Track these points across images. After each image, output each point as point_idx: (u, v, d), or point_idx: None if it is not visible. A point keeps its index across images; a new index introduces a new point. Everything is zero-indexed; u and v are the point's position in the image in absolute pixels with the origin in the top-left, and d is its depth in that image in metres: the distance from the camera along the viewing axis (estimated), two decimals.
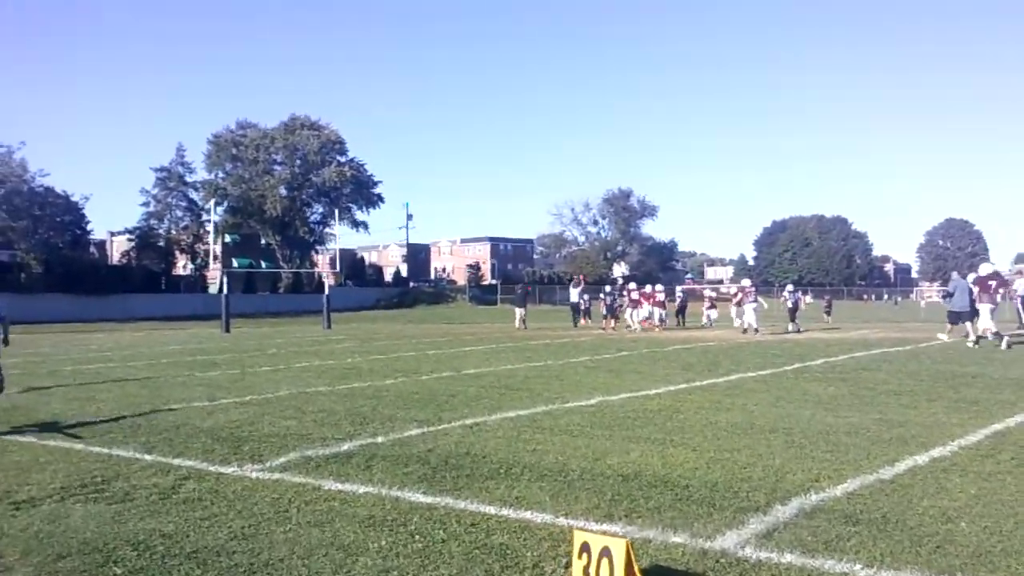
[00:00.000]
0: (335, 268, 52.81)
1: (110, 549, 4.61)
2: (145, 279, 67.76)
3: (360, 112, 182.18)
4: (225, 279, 40.10)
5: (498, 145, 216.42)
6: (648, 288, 33.81)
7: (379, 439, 7.82)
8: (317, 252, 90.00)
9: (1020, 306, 26.52)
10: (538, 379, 13.06)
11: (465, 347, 22.23)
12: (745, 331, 27.32)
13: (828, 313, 41.10)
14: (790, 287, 33.47)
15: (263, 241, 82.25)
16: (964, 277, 22.54)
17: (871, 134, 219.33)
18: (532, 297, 40.37)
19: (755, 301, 28.07)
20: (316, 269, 77.90)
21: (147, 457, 7.20)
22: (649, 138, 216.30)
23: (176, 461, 7.00)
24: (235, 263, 79.21)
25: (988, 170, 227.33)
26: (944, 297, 24.84)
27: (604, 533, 4.15)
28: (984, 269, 21.81)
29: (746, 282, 31.44)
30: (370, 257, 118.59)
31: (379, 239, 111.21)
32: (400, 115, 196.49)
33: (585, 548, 3.89)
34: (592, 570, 3.83)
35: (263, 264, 79.79)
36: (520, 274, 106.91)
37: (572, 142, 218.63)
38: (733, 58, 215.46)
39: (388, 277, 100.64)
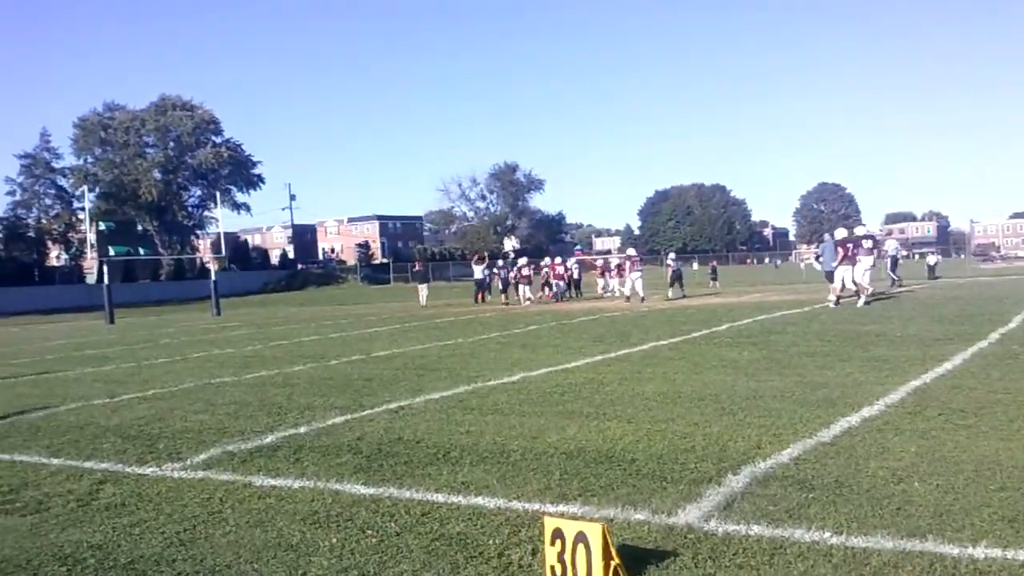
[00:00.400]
0: (219, 253, 50.98)
1: (35, 566, 4.20)
2: (16, 272, 64.24)
3: (234, 92, 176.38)
4: (105, 268, 37.92)
5: (380, 121, 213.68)
6: (548, 260, 34.34)
7: (302, 429, 7.47)
8: (198, 237, 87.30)
9: (891, 265, 28.38)
10: (452, 358, 12.83)
11: (369, 328, 21.79)
12: (629, 299, 27.84)
13: (714, 279, 42.10)
14: (672, 255, 34.43)
15: (139, 227, 79.26)
16: (833, 238, 23.06)
17: (744, 102, 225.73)
18: (426, 276, 39.99)
19: (640, 270, 28.61)
20: (198, 255, 75.45)
21: (54, 461, 6.68)
22: (532, 111, 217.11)
23: (88, 464, 6.51)
24: (111, 251, 76.35)
25: (856, 134, 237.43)
26: (816, 258, 25.74)
27: (575, 518, 4.00)
28: (859, 231, 23.16)
29: (631, 251, 31.92)
30: (254, 240, 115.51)
31: (262, 221, 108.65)
32: (276, 93, 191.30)
33: (558, 535, 3.73)
34: (567, 557, 3.68)
35: (141, 251, 77.19)
36: (411, 252, 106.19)
37: (456, 116, 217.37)
38: (611, 28, 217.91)
39: (274, 260, 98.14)
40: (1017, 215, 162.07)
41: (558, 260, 35.00)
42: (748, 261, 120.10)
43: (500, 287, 34.34)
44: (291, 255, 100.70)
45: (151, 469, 6.27)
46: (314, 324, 25.28)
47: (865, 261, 21.49)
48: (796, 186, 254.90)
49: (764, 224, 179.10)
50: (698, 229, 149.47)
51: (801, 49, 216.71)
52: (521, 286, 32.64)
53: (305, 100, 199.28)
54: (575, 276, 37.88)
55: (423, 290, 36.65)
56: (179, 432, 7.70)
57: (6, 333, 31.11)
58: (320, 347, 16.34)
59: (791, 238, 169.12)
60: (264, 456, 6.49)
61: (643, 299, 27.27)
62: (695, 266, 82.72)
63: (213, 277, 42.05)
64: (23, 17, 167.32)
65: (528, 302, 31.44)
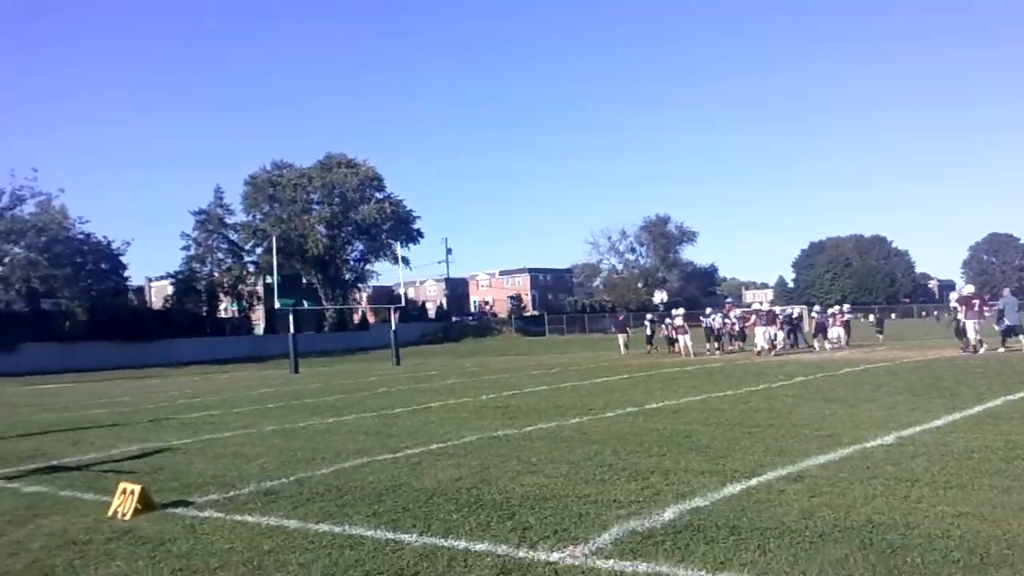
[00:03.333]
0: (398, 304, 51.07)
1: None
2: (188, 323, 66.43)
3: (389, 148, 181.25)
4: (291, 318, 38.01)
5: (532, 175, 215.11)
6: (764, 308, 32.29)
7: (699, 502, 5.88)
8: (359, 290, 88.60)
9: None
10: (765, 411, 11.00)
11: (593, 378, 20.15)
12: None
13: (880, 331, 39.15)
14: (817, 307, 34.49)
15: (304, 280, 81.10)
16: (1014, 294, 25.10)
17: (905, 153, 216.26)
18: (625, 325, 39.34)
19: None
20: (359, 306, 76.34)
21: (405, 538, 5.37)
22: (681, 164, 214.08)
23: (458, 544, 5.13)
24: (277, 304, 78.36)
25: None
26: (999, 318, 24.08)
27: None
28: (966, 289, 24.98)
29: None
30: (406, 293, 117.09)
31: (415, 275, 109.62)
32: (429, 147, 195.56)
33: None
34: None
35: (305, 303, 78.77)
36: (561, 304, 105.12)
37: (607, 171, 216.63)
38: (761, 81, 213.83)
39: (430, 313, 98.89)
40: None
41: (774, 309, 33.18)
42: (923, 314, 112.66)
43: (665, 338, 34.84)
44: (444, 307, 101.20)
45: (553, 554, 4.80)
46: (520, 374, 23.95)
47: None
48: (963, 237, 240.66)
49: (925, 276, 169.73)
50: (857, 281, 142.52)
51: (964, 93, 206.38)
52: (681, 337, 31.12)
53: (455, 154, 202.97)
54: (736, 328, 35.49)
55: (622, 338, 36.87)
56: (532, 501, 6.24)
57: (201, 382, 31.18)
58: (567, 397, 14.84)
59: (958, 290, 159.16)
60: (689, 539, 4.92)
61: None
62: (871, 317, 77.92)
63: (394, 327, 41.65)
64: (198, 81, 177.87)
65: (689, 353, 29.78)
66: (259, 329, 75.08)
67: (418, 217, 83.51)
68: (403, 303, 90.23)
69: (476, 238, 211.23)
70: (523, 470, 7.54)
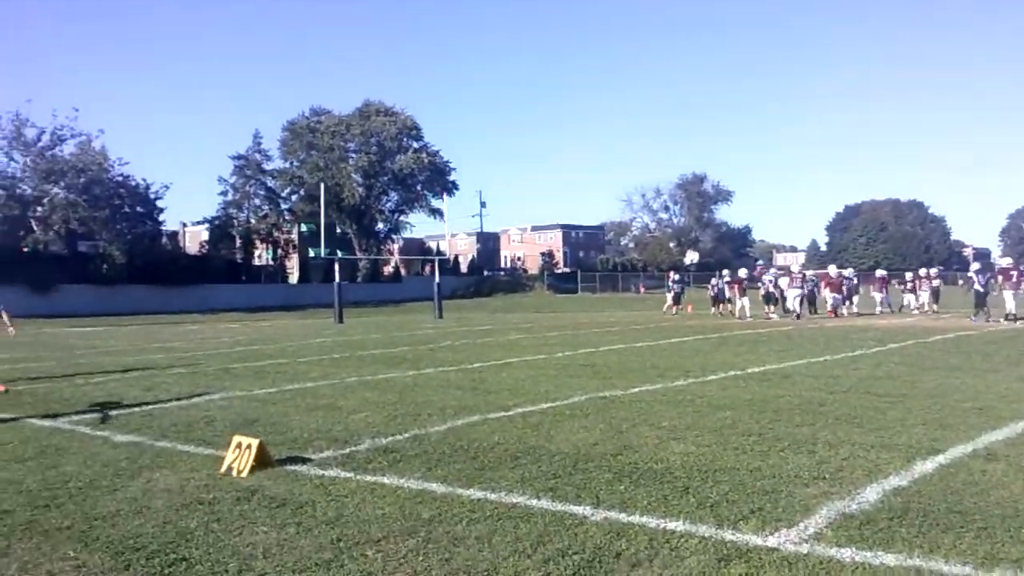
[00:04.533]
0: (442, 255, 50.57)
1: None
2: (224, 269, 66.16)
3: (424, 98, 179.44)
4: (336, 267, 37.54)
5: (566, 130, 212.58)
6: (829, 272, 31.36)
7: (903, 479, 5.29)
8: (392, 241, 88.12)
9: None
10: (889, 380, 10.33)
11: (664, 338, 19.44)
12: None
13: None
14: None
15: (338, 230, 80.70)
16: None
17: (945, 116, 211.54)
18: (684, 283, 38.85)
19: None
20: (407, 258, 75.83)
21: (593, 513, 4.77)
22: (717, 122, 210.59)
23: (651, 522, 4.59)
24: (311, 253, 78.03)
25: None
26: None
27: None
28: (1004, 261, 26.34)
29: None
30: (437, 246, 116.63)
31: (447, 228, 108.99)
32: (461, 98, 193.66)
33: None
34: None
35: (339, 253, 78.67)
36: (593, 262, 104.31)
37: (642, 127, 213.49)
38: (802, 41, 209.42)
39: (460, 266, 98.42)
40: None
41: (834, 270, 32.08)
42: (959, 283, 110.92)
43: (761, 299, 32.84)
44: (476, 262, 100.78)
45: (769, 539, 4.23)
46: (581, 331, 23.37)
47: None
48: (1002, 204, 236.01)
49: (960, 244, 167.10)
50: (892, 247, 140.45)
51: (1002, 61, 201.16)
52: (741, 299, 29.95)
53: (489, 106, 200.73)
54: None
55: (670, 296, 36.46)
56: (699, 472, 5.69)
57: (250, 328, 30.80)
58: (653, 357, 14.19)
59: (994, 259, 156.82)
60: (917, 524, 4.33)
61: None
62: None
63: (437, 279, 41.01)
64: (239, 26, 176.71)
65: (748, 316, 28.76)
66: (293, 278, 74.79)
67: (454, 169, 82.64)
68: (436, 255, 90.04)
69: (509, 192, 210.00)
70: (664, 436, 6.97)
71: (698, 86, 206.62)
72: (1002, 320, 22.80)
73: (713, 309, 33.86)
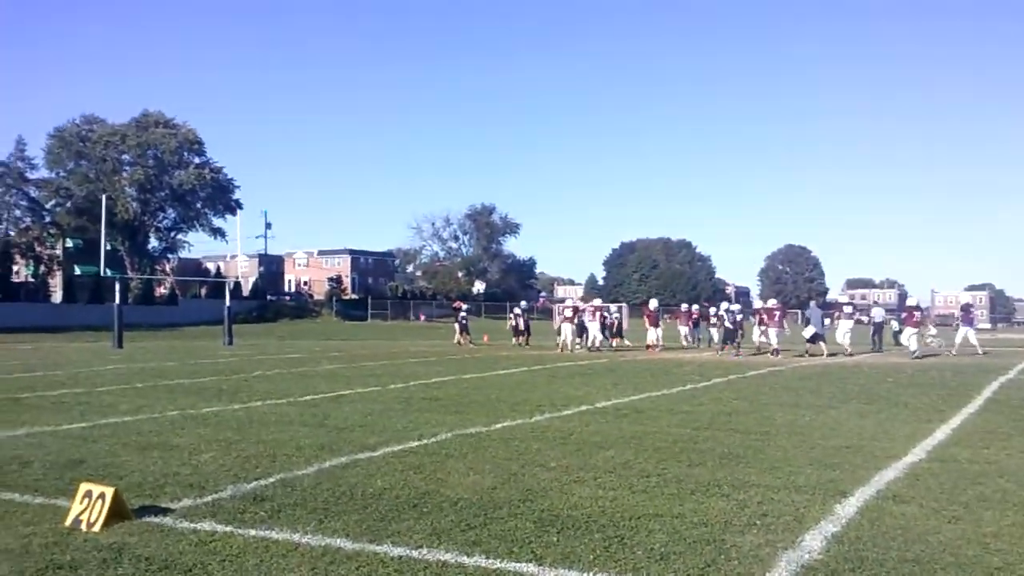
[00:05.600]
0: (217, 277, 47.89)
1: None
2: None
3: (209, 113, 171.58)
4: (117, 287, 34.61)
5: (355, 155, 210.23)
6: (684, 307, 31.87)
7: (835, 525, 5.18)
8: (168, 261, 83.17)
9: (874, 331, 30.62)
10: (742, 415, 10.44)
11: (488, 369, 19.07)
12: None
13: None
14: (725, 304, 32.79)
15: (108, 246, 75.20)
16: (820, 306, 30.18)
17: (715, 161, 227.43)
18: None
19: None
20: (167, 278, 71.51)
21: (541, 572, 4.32)
22: (504, 157, 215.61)
23: None
24: (77, 270, 72.07)
25: (819, 198, 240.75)
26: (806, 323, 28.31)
27: None
28: (770, 302, 29.15)
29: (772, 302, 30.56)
30: (214, 268, 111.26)
31: (227, 248, 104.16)
32: (246, 113, 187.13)
33: None
34: None
35: (108, 272, 73.37)
36: (382, 288, 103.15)
37: (434, 155, 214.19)
38: (588, 81, 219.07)
39: (244, 290, 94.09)
40: (972, 287, 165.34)
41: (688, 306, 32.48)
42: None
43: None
44: (255, 285, 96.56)
45: None
46: (396, 361, 22.66)
47: (845, 324, 26.96)
48: (760, 246, 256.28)
49: (723, 282, 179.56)
50: (663, 283, 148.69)
51: (770, 110, 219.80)
52: (563, 325, 29.88)
53: (275, 125, 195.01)
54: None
55: (458, 328, 36.36)
56: (626, 520, 5.35)
57: (8, 353, 27.68)
58: (493, 391, 13.77)
59: (753, 297, 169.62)
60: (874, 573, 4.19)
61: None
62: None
63: (228, 303, 38.84)
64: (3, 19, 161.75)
65: (578, 347, 28.90)
66: (56, 297, 68.77)
67: (238, 187, 79.26)
68: (216, 276, 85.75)
69: (295, 215, 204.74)
70: (561, 479, 6.59)
71: (486, 118, 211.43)
72: (770, 355, 24.83)
73: (514, 340, 34.12)
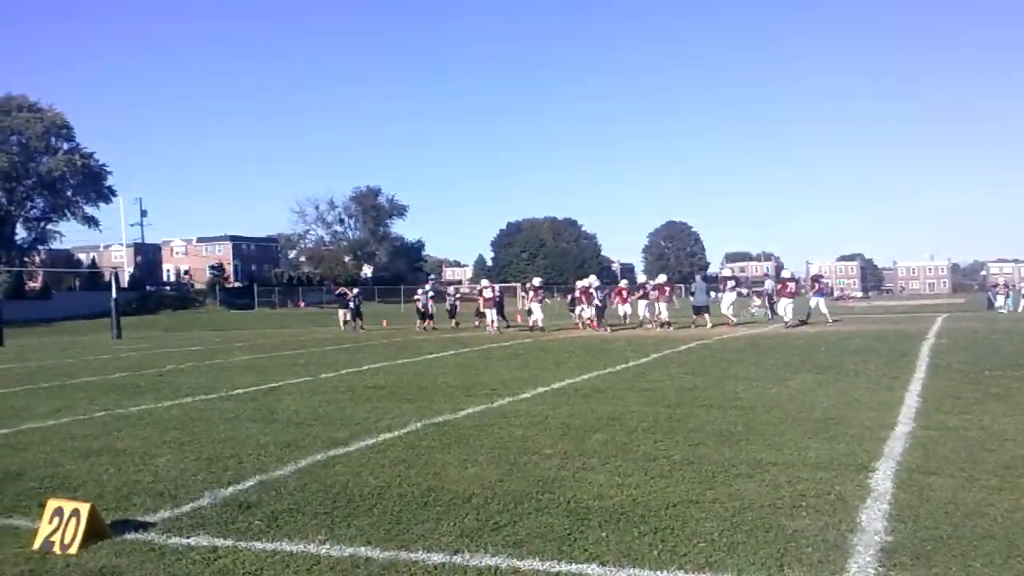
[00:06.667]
0: (80, 269, 45.44)
1: None
2: None
3: (76, 93, 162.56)
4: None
5: (233, 136, 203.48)
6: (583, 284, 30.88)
7: (886, 504, 4.96)
8: (38, 253, 78.67)
9: (769, 303, 31.95)
10: (703, 390, 10.22)
11: (417, 354, 18.36)
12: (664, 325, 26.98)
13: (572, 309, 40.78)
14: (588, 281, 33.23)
15: None
16: (705, 279, 31.47)
17: (601, 141, 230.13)
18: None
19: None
20: (61, 271, 67.63)
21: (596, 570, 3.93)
22: (389, 138, 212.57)
23: None
24: None
25: (703, 175, 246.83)
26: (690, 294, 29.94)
27: None
28: (660, 278, 29.19)
29: (662, 278, 30.34)
30: (88, 258, 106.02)
31: (100, 238, 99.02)
32: (114, 94, 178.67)
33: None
34: None
35: None
36: (267, 275, 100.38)
37: (313, 137, 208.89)
38: (467, 61, 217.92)
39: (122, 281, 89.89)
40: (844, 257, 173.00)
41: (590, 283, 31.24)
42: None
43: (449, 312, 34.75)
44: (131, 275, 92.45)
45: None
46: (312, 349, 21.78)
47: (729, 296, 28.23)
48: (643, 224, 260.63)
49: (608, 260, 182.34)
50: (551, 262, 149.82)
51: (653, 85, 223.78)
52: (487, 311, 29.55)
53: (147, 105, 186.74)
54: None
55: (342, 313, 36.14)
56: (663, 510, 5.01)
57: None
58: (437, 376, 13.18)
59: (638, 273, 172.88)
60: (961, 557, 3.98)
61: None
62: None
63: (115, 295, 36.73)
64: None
65: (494, 329, 28.47)
66: None
67: (110, 173, 75.47)
68: (90, 267, 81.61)
69: (170, 201, 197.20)
70: (567, 466, 6.19)
71: (371, 100, 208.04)
72: (659, 328, 26.63)
73: (419, 323, 33.37)
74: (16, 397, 12.00)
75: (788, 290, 27.03)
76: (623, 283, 34.79)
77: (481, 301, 30.15)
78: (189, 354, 21.29)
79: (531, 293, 30.12)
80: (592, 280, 29.69)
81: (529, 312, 30.35)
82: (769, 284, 33.65)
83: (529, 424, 8.08)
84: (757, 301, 35.15)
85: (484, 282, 32.11)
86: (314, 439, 7.66)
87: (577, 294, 31.09)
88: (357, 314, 34.76)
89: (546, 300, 32.27)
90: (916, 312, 38.85)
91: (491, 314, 28.91)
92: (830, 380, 10.89)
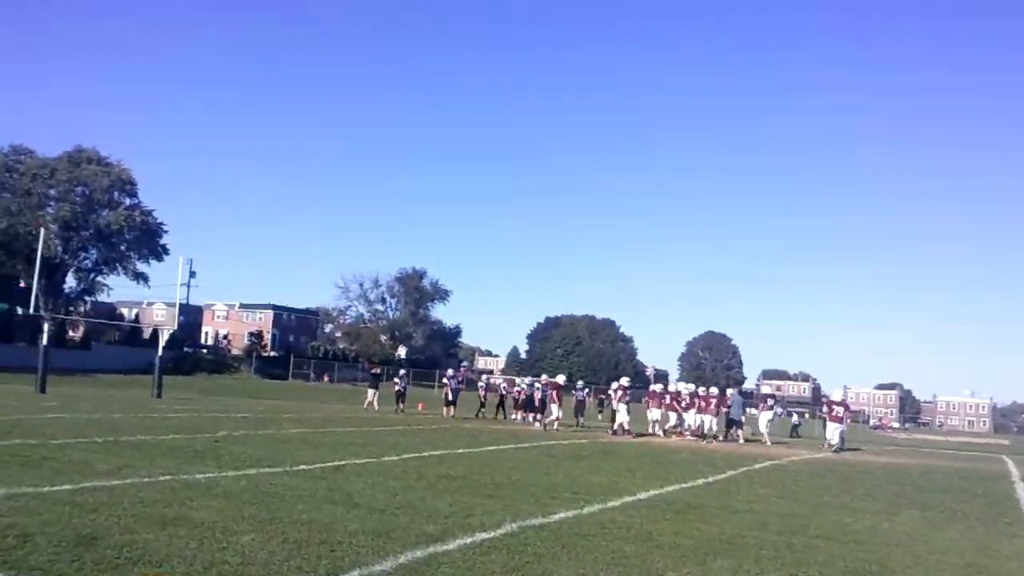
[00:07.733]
0: (120, 323, 45.56)
1: None
2: None
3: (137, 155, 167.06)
4: (46, 327, 32.43)
5: (284, 206, 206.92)
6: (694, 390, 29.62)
7: None
8: (84, 303, 79.39)
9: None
10: (789, 516, 9.49)
11: (476, 445, 17.71)
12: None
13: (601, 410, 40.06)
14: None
15: (22, 284, 71.34)
16: (741, 394, 31.73)
17: (645, 246, 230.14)
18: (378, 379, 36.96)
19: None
20: (104, 322, 67.87)
21: None
22: (430, 220, 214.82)
23: None
24: None
25: (742, 287, 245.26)
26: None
27: None
28: (712, 390, 28.64)
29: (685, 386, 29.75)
30: (130, 313, 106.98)
31: (145, 295, 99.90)
32: (170, 159, 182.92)
33: None
34: None
35: (19, 311, 69.78)
36: (303, 347, 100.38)
37: (363, 213, 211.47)
38: (528, 157, 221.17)
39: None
40: (882, 386, 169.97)
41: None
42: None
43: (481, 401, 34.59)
44: (172, 335, 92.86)
45: None
46: (367, 428, 21.19)
47: (766, 414, 28.66)
48: (681, 331, 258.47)
49: (644, 365, 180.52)
50: (586, 360, 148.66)
51: (693, 190, 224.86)
52: (552, 405, 27.91)
53: (209, 170, 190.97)
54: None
55: (371, 393, 35.87)
56: None
57: None
58: (510, 472, 12.59)
59: (670, 381, 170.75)
60: None
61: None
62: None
63: (160, 352, 36.74)
64: None
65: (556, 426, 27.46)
66: None
67: (167, 231, 76.38)
68: (135, 321, 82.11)
69: (216, 265, 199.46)
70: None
71: (415, 181, 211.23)
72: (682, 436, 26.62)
73: (445, 411, 32.04)
74: (74, 450, 11.51)
75: (835, 414, 26.30)
76: (656, 387, 32.42)
77: (553, 394, 28.83)
78: (238, 421, 20.78)
79: (619, 393, 28.02)
80: (623, 381, 29.33)
81: (613, 413, 28.11)
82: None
83: (636, 539, 7.40)
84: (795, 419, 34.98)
85: (561, 377, 31.18)
86: (405, 531, 7.04)
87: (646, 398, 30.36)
88: (401, 396, 34.26)
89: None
90: (967, 450, 37.43)
91: (557, 410, 27.95)
92: (940, 520, 10.09)
